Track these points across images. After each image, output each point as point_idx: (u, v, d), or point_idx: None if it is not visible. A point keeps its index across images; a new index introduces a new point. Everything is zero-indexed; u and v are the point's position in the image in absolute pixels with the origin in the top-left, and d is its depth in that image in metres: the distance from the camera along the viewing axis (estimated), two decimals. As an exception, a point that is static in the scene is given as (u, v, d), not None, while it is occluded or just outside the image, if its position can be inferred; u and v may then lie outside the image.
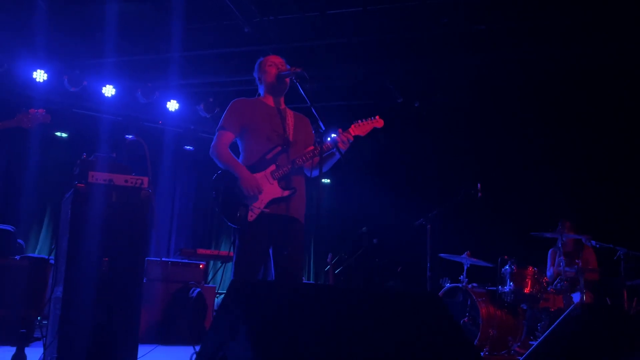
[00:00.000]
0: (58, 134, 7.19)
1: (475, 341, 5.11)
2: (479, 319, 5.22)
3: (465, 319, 5.36)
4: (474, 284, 5.68)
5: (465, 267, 5.77)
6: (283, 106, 3.39)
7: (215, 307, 5.80)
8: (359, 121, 3.29)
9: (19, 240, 5.77)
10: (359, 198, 8.51)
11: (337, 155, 3.24)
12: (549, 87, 6.59)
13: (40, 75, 6.48)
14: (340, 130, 3.20)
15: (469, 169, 7.56)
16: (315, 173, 3.25)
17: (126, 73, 6.86)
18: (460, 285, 5.59)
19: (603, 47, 5.67)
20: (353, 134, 3.23)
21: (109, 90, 6.91)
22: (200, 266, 5.66)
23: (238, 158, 3.25)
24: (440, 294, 5.63)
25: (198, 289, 5.33)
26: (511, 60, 6.17)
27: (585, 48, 5.73)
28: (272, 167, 3.17)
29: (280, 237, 3.16)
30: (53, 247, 6.54)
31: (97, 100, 6.96)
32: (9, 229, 5.71)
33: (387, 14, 5.56)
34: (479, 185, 5.41)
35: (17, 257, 5.31)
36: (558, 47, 5.81)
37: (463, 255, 5.75)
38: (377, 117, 3.34)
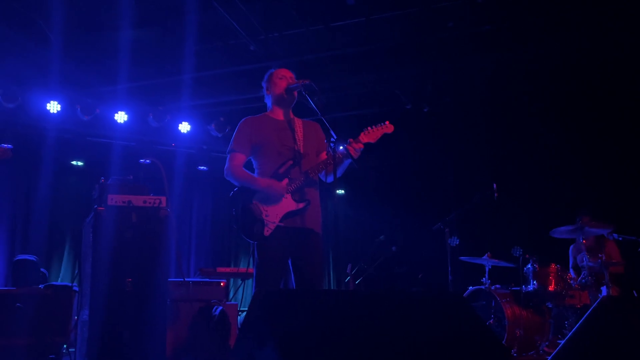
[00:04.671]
0: (74, 162, 7.29)
1: (503, 342, 5.05)
2: (505, 320, 5.16)
3: (491, 320, 5.30)
4: (497, 285, 5.63)
5: (486, 269, 5.72)
6: (291, 116, 3.42)
7: (239, 325, 5.79)
8: (369, 128, 3.30)
9: (42, 269, 5.85)
10: (375, 207, 8.50)
11: (347, 162, 3.27)
12: (559, 81, 6.55)
13: (53, 107, 6.59)
14: (350, 139, 3.22)
15: (484, 170, 7.53)
16: (330, 179, 3.29)
17: (137, 98, 6.97)
18: (483, 287, 5.54)
19: (613, 38, 5.64)
20: (363, 142, 3.25)
21: (121, 117, 7.00)
22: (221, 284, 5.67)
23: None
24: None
25: (220, 307, 5.34)
26: (518, 58, 6.16)
27: (595, 39, 5.70)
28: (285, 181, 3.20)
29: (298, 249, 3.18)
30: (76, 272, 6.61)
31: (110, 127, 7.05)
32: (32, 258, 5.80)
33: (390, 21, 5.60)
34: (494, 185, 5.38)
35: (41, 286, 5.38)
36: (567, 41, 5.79)
37: (484, 257, 5.71)
38: (386, 122, 3.35)
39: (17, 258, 5.87)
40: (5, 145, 3.55)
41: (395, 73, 6.61)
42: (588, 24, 5.52)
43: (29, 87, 6.42)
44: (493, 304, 5.36)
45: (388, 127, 3.33)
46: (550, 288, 5.16)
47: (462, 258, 5.90)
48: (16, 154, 6.70)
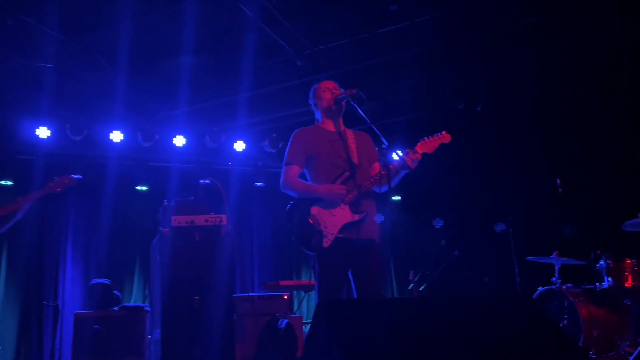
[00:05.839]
0: (138, 188, 7.63)
1: (579, 344, 4.82)
2: (579, 320, 4.93)
3: (564, 322, 5.08)
4: (569, 285, 5.40)
5: (556, 268, 5.50)
6: (342, 128, 3.45)
7: (305, 337, 5.84)
8: (425, 138, 3.28)
9: (115, 292, 6.13)
10: (432, 211, 8.36)
11: (403, 172, 3.26)
12: (621, 68, 6.24)
13: (116, 136, 6.94)
14: (408, 150, 3.21)
15: (546, 166, 7.26)
16: (385, 189, 3.27)
17: (194, 122, 7.23)
18: (553, 287, 5.33)
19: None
20: (420, 152, 3.23)
21: (179, 140, 7.28)
22: (285, 297, 5.74)
23: None
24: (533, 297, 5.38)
25: (286, 320, 5.40)
26: (574, 47, 5.92)
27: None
28: (344, 186, 3.22)
29: (357, 259, 3.19)
30: (147, 293, 6.88)
31: (169, 151, 7.33)
32: (106, 282, 6.09)
33: (435, 23, 5.53)
34: (558, 181, 5.20)
35: (116, 308, 5.64)
36: (623, 27, 5.53)
37: (552, 256, 5.49)
38: (443, 132, 3.32)
39: (93, 282, 6.18)
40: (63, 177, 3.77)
41: (444, 74, 6.52)
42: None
43: (93, 119, 6.80)
44: (565, 305, 5.14)
45: (445, 137, 3.30)
46: (627, 284, 4.90)
47: (529, 258, 5.70)
48: (85, 184, 7.12)
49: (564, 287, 5.30)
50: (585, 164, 7.09)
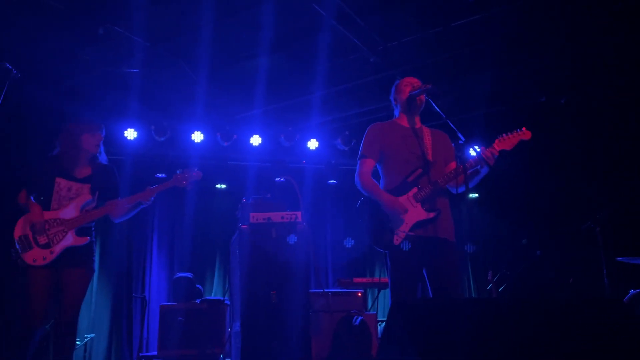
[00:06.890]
0: (218, 186, 7.95)
1: (678, 353, 4.47)
2: (678, 327, 4.57)
3: (661, 328, 4.72)
4: (665, 288, 5.02)
5: (650, 270, 5.14)
6: (419, 125, 3.41)
7: (379, 335, 5.82)
8: (504, 135, 3.18)
9: (198, 286, 6.42)
10: (513, 209, 8.06)
11: (483, 172, 3.18)
12: None
13: (197, 137, 7.26)
14: (483, 147, 3.13)
15: (636, 161, 6.79)
16: (461, 189, 3.20)
17: (269, 121, 7.42)
18: (647, 290, 4.98)
19: None
20: (498, 149, 3.15)
21: (256, 140, 7.50)
22: (359, 294, 5.75)
23: (379, 182, 3.32)
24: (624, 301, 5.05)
25: (360, 317, 5.42)
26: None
27: None
28: (414, 190, 3.17)
29: (431, 258, 3.13)
30: (226, 287, 7.15)
31: (246, 150, 7.58)
32: (189, 276, 6.39)
33: (513, 13, 5.32)
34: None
35: (198, 301, 5.91)
36: None
37: (645, 256, 5.13)
38: (523, 128, 3.22)
39: (177, 276, 6.51)
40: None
41: (525, 65, 6.25)
42: None
43: (176, 120, 7.16)
44: (662, 309, 4.79)
45: (525, 134, 3.19)
46: None
47: (619, 259, 5.35)
48: (169, 182, 7.52)
49: (660, 290, 4.94)
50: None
